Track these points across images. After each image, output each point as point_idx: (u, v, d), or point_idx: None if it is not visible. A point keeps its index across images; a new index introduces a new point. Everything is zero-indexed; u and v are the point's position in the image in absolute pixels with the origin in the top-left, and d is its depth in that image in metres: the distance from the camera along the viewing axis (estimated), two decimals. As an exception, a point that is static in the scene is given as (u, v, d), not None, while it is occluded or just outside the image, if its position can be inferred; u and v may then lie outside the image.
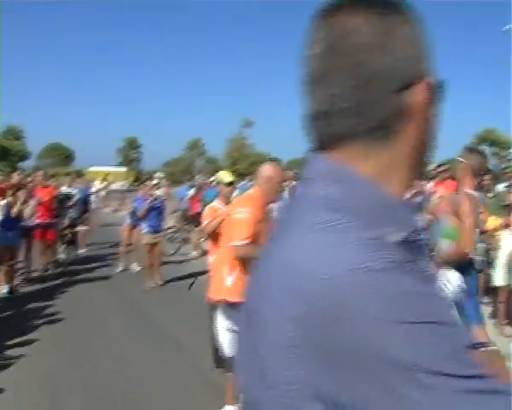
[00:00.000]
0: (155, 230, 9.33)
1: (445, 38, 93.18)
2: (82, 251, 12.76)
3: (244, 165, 49.13)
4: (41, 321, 7.00)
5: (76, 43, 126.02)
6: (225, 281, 3.86)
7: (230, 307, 3.78)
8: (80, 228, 11.87)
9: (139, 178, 71.81)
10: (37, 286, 9.13)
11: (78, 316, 7.39)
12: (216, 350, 4.02)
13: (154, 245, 9.30)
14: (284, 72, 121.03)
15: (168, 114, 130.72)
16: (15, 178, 9.42)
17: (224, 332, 3.89)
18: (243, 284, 0.85)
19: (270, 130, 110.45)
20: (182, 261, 11.58)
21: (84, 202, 13.03)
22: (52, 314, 7.29)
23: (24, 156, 70.08)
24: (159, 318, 7.39)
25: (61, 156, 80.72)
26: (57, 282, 9.48)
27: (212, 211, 5.59)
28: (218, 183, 5.80)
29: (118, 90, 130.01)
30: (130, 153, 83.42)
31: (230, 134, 54.88)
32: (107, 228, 17.67)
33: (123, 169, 65.85)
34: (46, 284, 9.27)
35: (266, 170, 3.94)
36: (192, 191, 13.00)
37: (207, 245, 5.77)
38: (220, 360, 3.97)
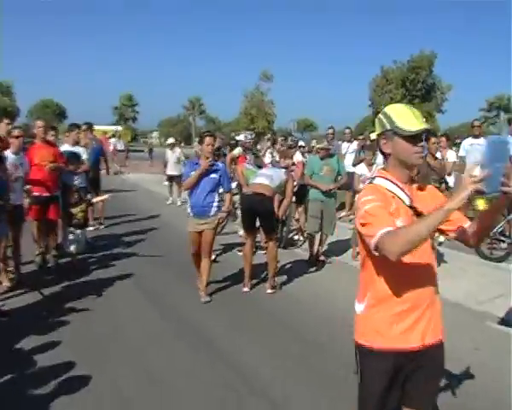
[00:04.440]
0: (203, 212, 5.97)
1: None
2: (91, 229, 9.69)
3: (263, 123, 45.05)
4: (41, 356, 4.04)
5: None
6: None
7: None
8: (97, 199, 8.64)
9: (136, 138, 68.41)
10: (35, 297, 6.01)
11: (102, 340, 4.47)
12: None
13: (200, 234, 6.00)
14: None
15: (164, 71, 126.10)
16: (2, 127, 6.22)
17: None
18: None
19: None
20: (230, 247, 8.63)
21: (96, 164, 9.87)
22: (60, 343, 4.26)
23: (13, 113, 65.79)
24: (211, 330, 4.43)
25: (52, 114, 76.96)
26: (63, 285, 6.41)
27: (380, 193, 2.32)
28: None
29: (111, 42, 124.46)
30: (126, 111, 79.61)
31: (243, 91, 50.19)
32: (112, 195, 14.56)
33: (119, 128, 62.42)
34: (48, 291, 6.20)
35: None
36: (237, 151, 9.57)
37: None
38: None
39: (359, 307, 2.42)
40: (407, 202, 2.29)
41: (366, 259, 2.37)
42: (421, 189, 2.42)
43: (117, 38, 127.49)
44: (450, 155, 9.15)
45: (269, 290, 6.38)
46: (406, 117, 2.26)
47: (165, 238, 9.56)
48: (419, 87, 38.87)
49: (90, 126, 10.16)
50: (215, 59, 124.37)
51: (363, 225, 2.22)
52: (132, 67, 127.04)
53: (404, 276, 2.27)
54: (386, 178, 2.33)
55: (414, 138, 2.23)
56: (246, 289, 6.37)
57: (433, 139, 6.79)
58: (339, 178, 7.91)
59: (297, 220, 9.85)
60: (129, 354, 4.51)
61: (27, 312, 5.46)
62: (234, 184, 8.22)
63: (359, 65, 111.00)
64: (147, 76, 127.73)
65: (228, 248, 8.60)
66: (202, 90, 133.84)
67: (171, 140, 15.92)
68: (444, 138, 9.40)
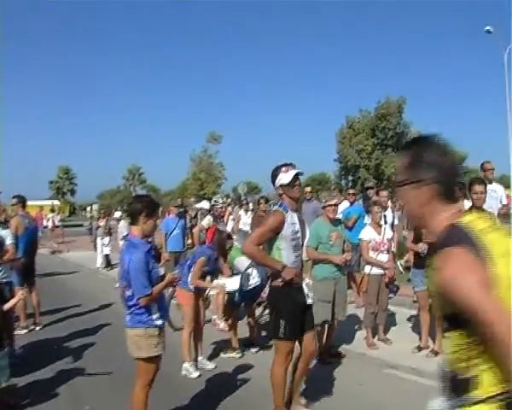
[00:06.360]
0: None
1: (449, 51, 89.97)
2: (23, 332, 7.55)
3: (213, 187, 42.92)
4: None
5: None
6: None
7: None
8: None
9: (74, 212, 65.58)
10: None
11: None
12: None
13: None
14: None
15: (102, 143, 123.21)
16: None
17: None
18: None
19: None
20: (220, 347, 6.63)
21: (31, 249, 7.70)
22: None
23: None
24: None
25: (-17, 192, 72.82)
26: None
27: None
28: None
29: (47, 112, 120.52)
30: (63, 185, 76.34)
31: (189, 154, 49.10)
32: (50, 280, 12.46)
33: (55, 202, 59.94)
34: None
35: None
36: (206, 221, 7.86)
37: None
38: None
39: None
40: None
41: None
42: None
43: (51, 106, 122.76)
44: (466, 205, 7.79)
45: None
46: None
47: (121, 338, 7.43)
48: (390, 135, 37.35)
49: (21, 200, 7.97)
50: (153, 122, 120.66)
51: None
52: (68, 137, 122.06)
53: None
54: None
55: None
56: None
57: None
58: (345, 245, 6.21)
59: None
60: None
61: None
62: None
63: (318, 116, 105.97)
64: (84, 146, 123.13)
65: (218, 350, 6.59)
66: (141, 156, 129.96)
67: (117, 214, 14.84)
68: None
